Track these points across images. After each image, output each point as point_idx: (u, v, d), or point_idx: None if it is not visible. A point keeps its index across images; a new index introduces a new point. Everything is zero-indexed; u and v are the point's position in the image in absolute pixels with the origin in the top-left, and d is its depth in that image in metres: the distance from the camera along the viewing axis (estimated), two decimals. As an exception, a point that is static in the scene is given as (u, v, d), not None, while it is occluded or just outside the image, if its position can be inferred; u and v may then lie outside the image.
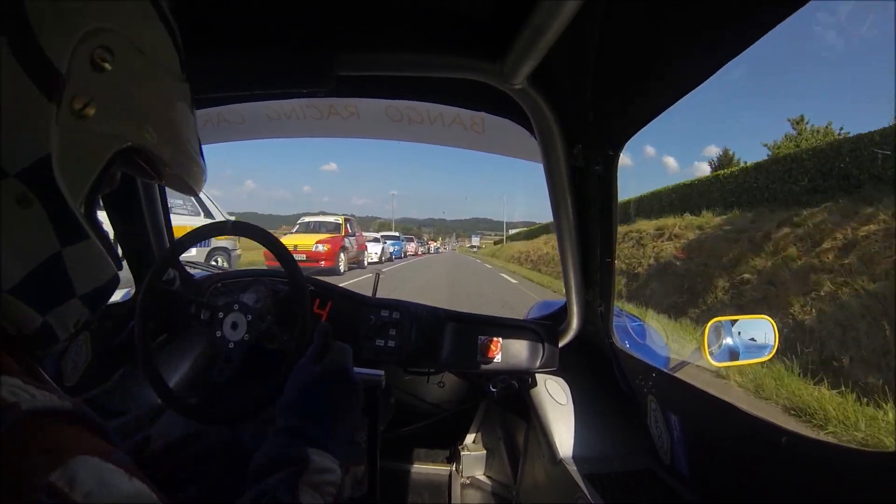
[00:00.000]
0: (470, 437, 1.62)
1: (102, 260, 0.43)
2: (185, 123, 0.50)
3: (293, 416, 0.60)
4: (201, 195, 5.88)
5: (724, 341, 1.17)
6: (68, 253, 0.39)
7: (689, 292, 8.31)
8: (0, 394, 0.30)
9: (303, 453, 0.53)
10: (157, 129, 0.45)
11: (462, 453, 1.59)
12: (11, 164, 0.35)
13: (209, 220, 5.55)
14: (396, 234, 24.52)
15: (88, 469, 0.30)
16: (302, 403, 0.61)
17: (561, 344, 1.22)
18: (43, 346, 0.41)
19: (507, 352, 1.20)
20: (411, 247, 31.32)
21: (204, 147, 0.56)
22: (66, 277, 0.40)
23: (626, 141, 0.84)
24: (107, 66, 0.38)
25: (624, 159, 0.87)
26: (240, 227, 1.06)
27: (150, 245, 1.23)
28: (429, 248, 46.31)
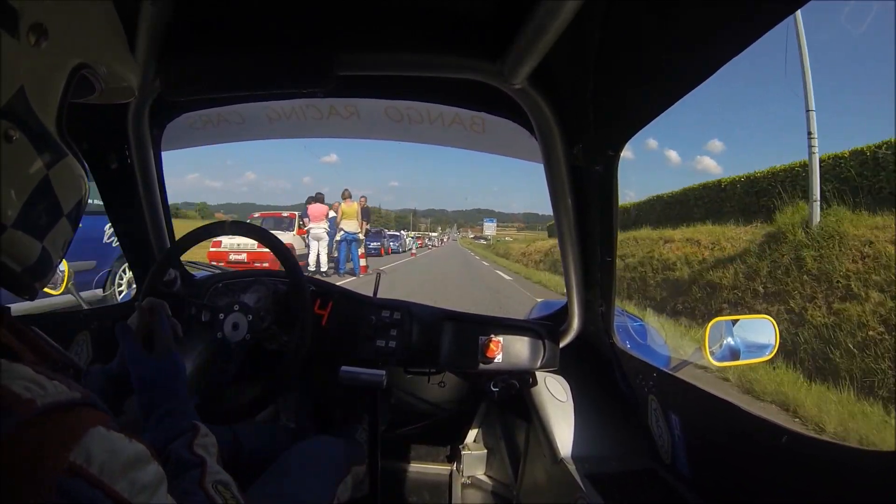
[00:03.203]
0: (470, 437, 1.63)
1: (80, 175, 0.46)
2: (119, 32, 0.54)
3: (170, 401, 0.65)
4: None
5: (724, 341, 1.17)
6: (53, 174, 0.42)
7: None
8: (14, 389, 0.32)
9: (191, 423, 0.61)
10: (101, 41, 0.49)
11: (463, 453, 1.59)
12: None
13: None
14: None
15: (98, 441, 0.33)
16: (169, 390, 0.67)
17: (562, 344, 1.22)
18: (42, 275, 0.44)
19: (507, 352, 1.20)
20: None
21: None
22: (55, 199, 0.43)
23: (626, 141, 0.84)
24: None
25: (625, 153, 0.87)
26: (239, 227, 1.06)
27: (151, 245, 1.23)
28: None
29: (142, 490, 0.35)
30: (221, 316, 1.00)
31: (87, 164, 0.48)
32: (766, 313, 2.53)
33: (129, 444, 0.36)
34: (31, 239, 0.41)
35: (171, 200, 1.27)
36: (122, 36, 0.54)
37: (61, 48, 0.43)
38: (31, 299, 0.44)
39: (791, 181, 7.80)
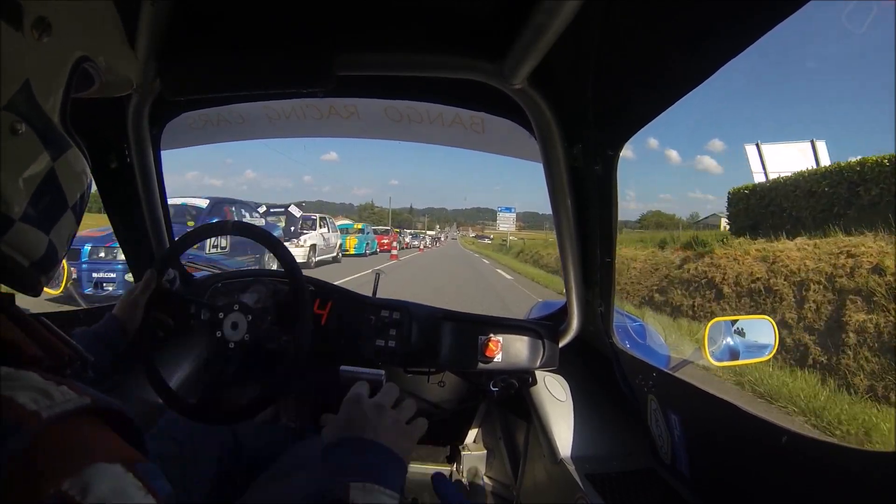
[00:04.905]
0: (470, 437, 1.62)
1: (83, 167, 0.46)
2: (117, 24, 0.54)
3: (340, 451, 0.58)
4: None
5: (724, 341, 1.17)
6: (59, 166, 0.42)
7: None
8: (19, 400, 0.30)
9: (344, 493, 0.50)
10: (101, 33, 0.49)
11: (462, 453, 1.59)
12: None
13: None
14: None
15: (105, 477, 0.30)
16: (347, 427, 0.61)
17: (561, 344, 1.22)
18: (48, 269, 0.43)
19: (507, 352, 1.20)
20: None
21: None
22: (60, 191, 0.43)
23: (626, 141, 0.84)
24: None
25: (625, 152, 0.87)
26: (241, 228, 1.06)
27: (150, 245, 1.23)
28: None
29: None
30: (221, 315, 1.00)
31: (89, 157, 0.48)
32: None
33: (143, 496, 0.31)
34: (38, 232, 0.41)
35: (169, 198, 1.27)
36: (119, 27, 0.54)
37: (64, 41, 0.43)
38: (36, 296, 0.44)
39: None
